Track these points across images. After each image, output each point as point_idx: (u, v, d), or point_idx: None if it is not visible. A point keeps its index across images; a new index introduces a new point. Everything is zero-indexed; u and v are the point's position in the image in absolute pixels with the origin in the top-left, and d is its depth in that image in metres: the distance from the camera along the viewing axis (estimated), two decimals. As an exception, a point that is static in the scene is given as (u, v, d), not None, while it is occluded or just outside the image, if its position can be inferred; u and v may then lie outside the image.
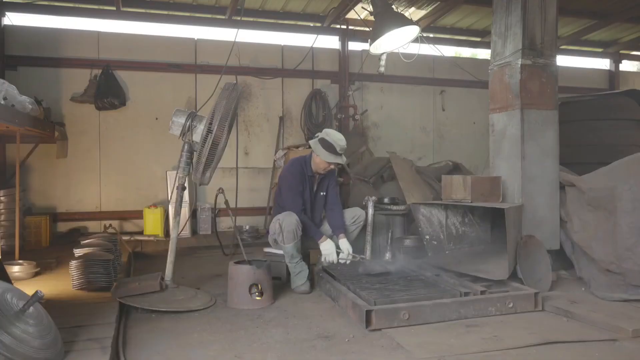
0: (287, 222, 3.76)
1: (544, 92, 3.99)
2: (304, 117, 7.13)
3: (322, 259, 3.97)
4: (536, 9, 3.97)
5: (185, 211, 5.87)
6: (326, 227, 4.27)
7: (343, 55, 7.41)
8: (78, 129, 6.28)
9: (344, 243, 4.02)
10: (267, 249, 4.23)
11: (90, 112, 6.33)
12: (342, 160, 4.04)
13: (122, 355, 2.47)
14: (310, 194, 4.17)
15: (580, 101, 6.29)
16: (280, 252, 3.98)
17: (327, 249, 3.91)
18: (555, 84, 4.07)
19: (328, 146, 3.94)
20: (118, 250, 4.13)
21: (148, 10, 6.67)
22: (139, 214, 6.35)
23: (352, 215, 4.27)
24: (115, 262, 3.77)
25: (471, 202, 3.79)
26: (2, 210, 5.05)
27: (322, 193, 4.24)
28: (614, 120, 5.90)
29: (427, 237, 4.13)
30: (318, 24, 7.29)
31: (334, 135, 4.00)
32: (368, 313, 2.86)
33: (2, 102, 3.28)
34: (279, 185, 4.29)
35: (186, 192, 3.74)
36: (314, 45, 7.20)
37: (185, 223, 5.92)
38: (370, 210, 4.56)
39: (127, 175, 6.55)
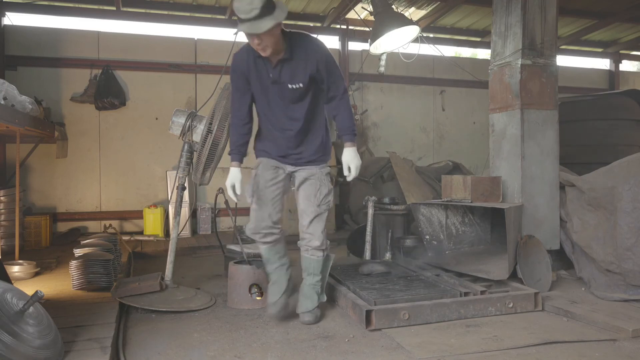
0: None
1: (544, 92, 3.99)
2: (304, 117, 7.12)
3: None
4: (536, 9, 3.97)
5: (185, 211, 5.88)
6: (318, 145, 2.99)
7: (343, 55, 7.42)
8: (78, 129, 6.29)
9: (347, 155, 2.89)
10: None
11: (90, 112, 6.33)
12: (259, 28, 2.51)
13: (122, 355, 2.47)
14: (264, 86, 2.83)
15: (580, 101, 6.29)
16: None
17: (229, 178, 2.91)
18: (555, 84, 4.07)
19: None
20: (118, 250, 4.13)
21: (148, 10, 6.67)
22: (139, 214, 6.36)
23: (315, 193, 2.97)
24: (115, 262, 3.77)
25: (471, 202, 3.79)
26: (2, 210, 5.06)
27: (295, 85, 2.78)
28: (614, 120, 5.89)
29: (427, 237, 4.13)
30: (318, 24, 7.30)
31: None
32: (368, 313, 2.86)
33: (2, 102, 3.28)
34: None
35: (186, 192, 3.74)
36: (314, 45, 7.19)
37: (185, 223, 5.92)
38: (370, 210, 4.56)
39: (127, 175, 6.55)
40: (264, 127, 3.00)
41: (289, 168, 2.99)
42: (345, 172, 2.91)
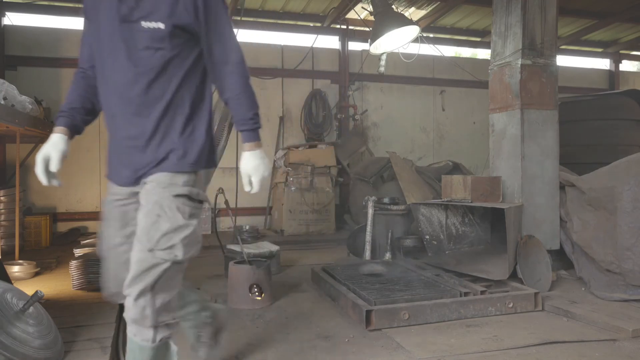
0: None
1: (544, 92, 3.99)
2: (304, 117, 7.13)
3: None
4: (536, 9, 3.97)
5: (185, 211, 5.87)
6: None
7: (343, 55, 7.42)
8: (78, 129, 6.28)
9: (244, 162, 2.03)
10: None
11: (90, 112, 6.33)
12: None
13: (122, 355, 2.47)
14: (107, 28, 1.82)
15: (580, 101, 6.30)
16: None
17: (43, 148, 1.89)
18: (555, 84, 4.07)
19: None
20: (118, 250, 4.13)
21: (148, 10, 6.68)
22: (139, 214, 6.35)
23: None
24: (115, 262, 3.77)
25: (471, 202, 3.79)
26: (2, 210, 5.06)
27: (152, 24, 1.71)
28: (614, 120, 5.90)
29: (427, 237, 4.13)
30: (318, 24, 7.30)
31: None
32: (368, 313, 2.86)
33: (2, 102, 3.28)
34: None
35: (186, 192, 3.73)
36: (314, 45, 7.20)
37: (185, 223, 5.91)
38: (370, 210, 4.57)
39: (127, 175, 6.54)
40: (102, 104, 1.92)
41: (138, 189, 1.81)
42: (246, 187, 2.00)
